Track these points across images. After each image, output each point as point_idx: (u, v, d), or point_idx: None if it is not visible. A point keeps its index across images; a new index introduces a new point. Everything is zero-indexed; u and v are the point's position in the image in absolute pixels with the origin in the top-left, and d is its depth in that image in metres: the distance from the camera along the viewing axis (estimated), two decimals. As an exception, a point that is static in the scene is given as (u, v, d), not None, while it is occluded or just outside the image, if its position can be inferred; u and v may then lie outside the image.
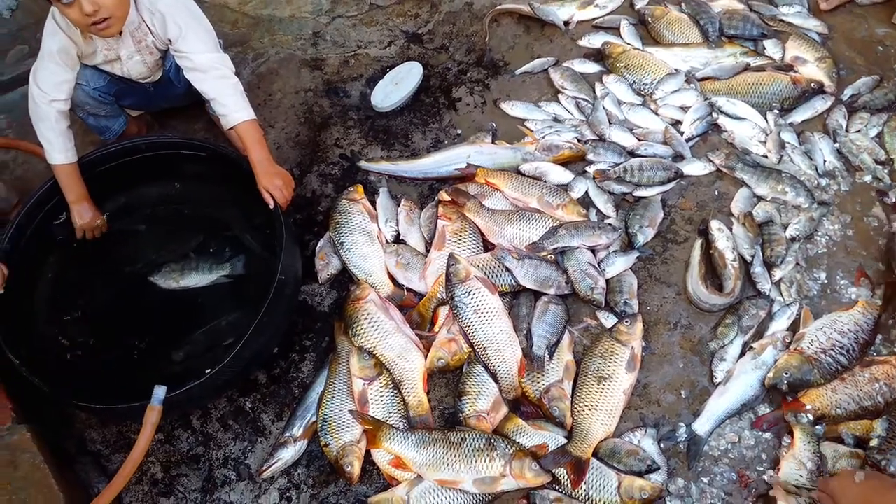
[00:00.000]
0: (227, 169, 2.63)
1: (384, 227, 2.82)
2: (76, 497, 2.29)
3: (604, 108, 3.04)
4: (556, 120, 3.10)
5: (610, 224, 2.71)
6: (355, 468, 2.30)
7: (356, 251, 2.73)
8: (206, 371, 2.22)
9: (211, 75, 2.56)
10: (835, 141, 2.91)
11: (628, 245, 2.71)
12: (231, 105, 2.54)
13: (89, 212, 2.63)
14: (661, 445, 2.32)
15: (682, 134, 2.95)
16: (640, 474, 2.24)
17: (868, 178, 2.80)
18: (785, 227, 2.68)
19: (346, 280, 2.77)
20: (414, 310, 2.62)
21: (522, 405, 2.43)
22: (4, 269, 2.40)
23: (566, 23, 3.41)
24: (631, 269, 2.64)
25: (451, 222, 2.71)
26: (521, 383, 2.41)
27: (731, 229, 2.67)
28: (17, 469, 2.23)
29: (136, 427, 2.18)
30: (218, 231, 2.79)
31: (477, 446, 2.23)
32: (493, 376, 2.40)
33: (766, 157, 2.87)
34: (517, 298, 2.60)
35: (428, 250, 2.73)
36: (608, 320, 2.54)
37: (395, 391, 2.44)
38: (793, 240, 2.65)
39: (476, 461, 2.21)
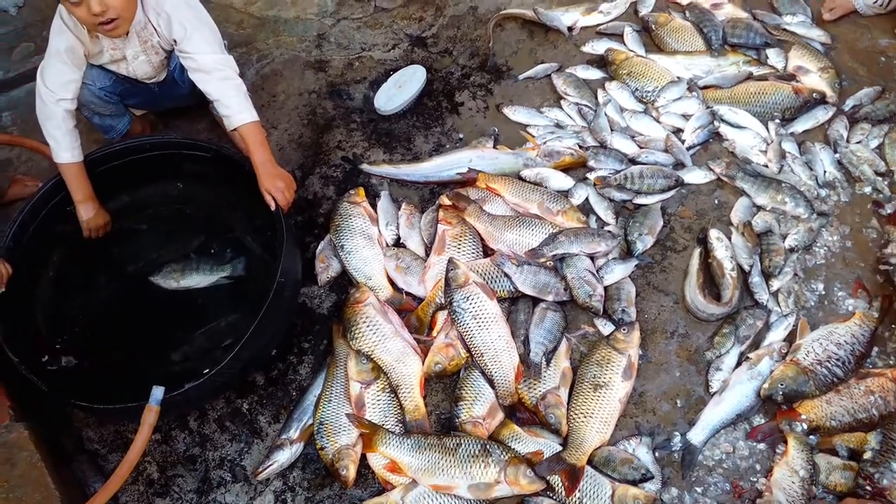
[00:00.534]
0: (230, 170, 2.64)
1: (385, 231, 2.83)
2: (72, 496, 2.30)
3: (606, 114, 3.05)
4: (558, 126, 3.11)
5: (609, 231, 2.72)
6: (351, 472, 2.31)
7: (356, 254, 2.74)
8: (205, 372, 2.24)
9: (215, 76, 2.57)
10: (835, 152, 2.91)
11: (627, 253, 2.71)
12: (235, 106, 2.55)
13: (95, 211, 2.64)
14: (656, 454, 2.33)
15: (683, 142, 2.96)
16: (634, 483, 2.24)
17: (868, 189, 2.81)
18: (784, 237, 2.69)
19: (345, 283, 2.78)
20: (412, 314, 2.63)
21: (518, 411, 2.44)
22: (8, 267, 2.41)
23: (570, 28, 3.42)
24: (629, 276, 2.65)
25: (451, 227, 2.72)
26: (518, 389, 2.41)
27: (730, 238, 2.68)
28: (14, 467, 2.24)
29: (134, 426, 2.20)
30: (219, 232, 2.80)
31: (472, 452, 2.24)
32: (490, 382, 2.41)
33: (767, 166, 2.88)
34: (515, 304, 2.61)
35: (428, 254, 2.74)
36: (606, 328, 2.55)
37: (392, 395, 2.45)
38: (791, 250, 2.66)
39: (471, 467, 2.21)
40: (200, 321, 2.63)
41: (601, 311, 2.55)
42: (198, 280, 2.68)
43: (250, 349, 2.32)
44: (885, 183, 2.81)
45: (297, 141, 3.20)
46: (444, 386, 2.53)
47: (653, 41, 3.35)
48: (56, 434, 2.52)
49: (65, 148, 2.55)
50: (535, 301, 2.59)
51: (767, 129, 2.99)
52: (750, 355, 2.45)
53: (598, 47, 3.32)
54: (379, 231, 2.83)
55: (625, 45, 3.30)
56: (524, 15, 3.44)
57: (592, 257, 2.65)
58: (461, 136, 3.14)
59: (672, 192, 2.83)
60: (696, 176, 2.87)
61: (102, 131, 2.95)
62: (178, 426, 2.54)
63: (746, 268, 2.62)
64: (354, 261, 2.73)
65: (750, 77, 3.13)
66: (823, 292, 2.60)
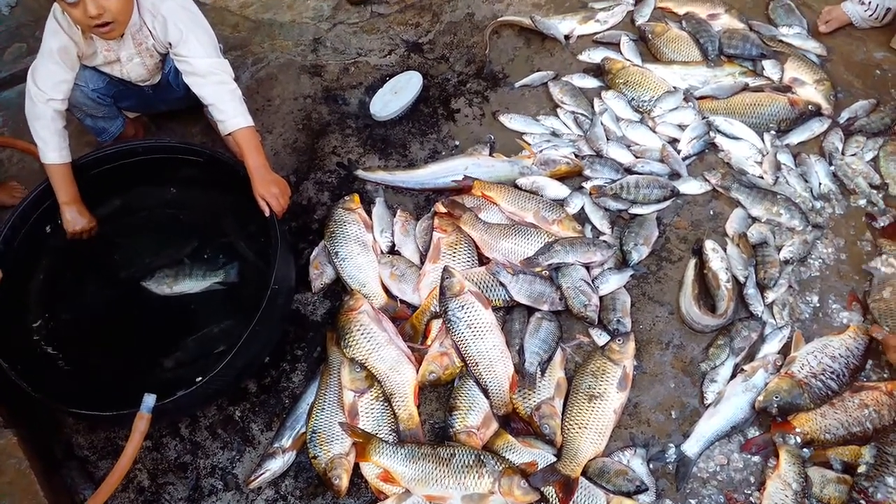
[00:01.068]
0: (224, 175, 2.62)
1: (379, 238, 2.82)
2: (62, 503, 2.27)
3: (602, 123, 3.05)
4: (554, 134, 3.10)
5: (605, 241, 2.71)
6: (343, 481, 2.29)
7: (351, 261, 2.72)
8: (197, 379, 2.21)
9: (210, 80, 2.55)
10: (830, 164, 2.92)
11: (623, 263, 2.71)
12: (229, 111, 2.53)
13: (80, 214, 2.60)
14: (651, 466, 2.33)
15: (679, 152, 2.96)
16: (628, 495, 2.24)
17: (862, 202, 2.82)
18: (779, 249, 2.69)
19: (339, 290, 2.76)
20: (407, 322, 2.61)
21: (513, 421, 2.43)
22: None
23: (567, 37, 3.42)
24: (625, 287, 2.64)
25: (446, 235, 2.71)
26: (513, 399, 2.40)
27: (725, 250, 2.68)
28: (3, 474, 2.20)
29: (124, 433, 2.17)
30: (213, 237, 2.77)
31: (466, 462, 2.23)
32: (485, 392, 2.40)
33: (762, 178, 2.88)
34: (510, 314, 2.61)
35: (423, 262, 2.73)
36: (601, 338, 2.54)
37: (386, 404, 2.43)
38: (786, 262, 2.66)
39: (465, 477, 2.20)
40: (193, 327, 2.60)
41: (596, 322, 2.54)
42: (190, 286, 2.66)
43: (243, 356, 2.30)
44: (880, 196, 2.82)
45: (292, 146, 3.18)
46: (439, 395, 2.52)
47: (649, 51, 3.35)
48: (45, 440, 2.49)
49: (52, 148, 2.52)
50: (531, 310, 2.59)
51: (763, 140, 2.99)
52: (745, 367, 2.45)
53: (594, 56, 3.32)
54: (374, 238, 2.81)
55: (621, 54, 3.31)
56: (521, 22, 3.44)
57: (588, 267, 2.65)
58: (457, 143, 3.14)
59: (667, 203, 2.84)
60: (691, 186, 2.87)
61: (95, 133, 2.93)
62: (169, 433, 2.51)
63: (741, 279, 2.62)
64: (349, 268, 2.72)
65: (746, 88, 3.14)
66: (818, 305, 2.60)
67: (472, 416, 2.38)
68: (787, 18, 3.36)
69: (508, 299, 2.57)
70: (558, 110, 3.17)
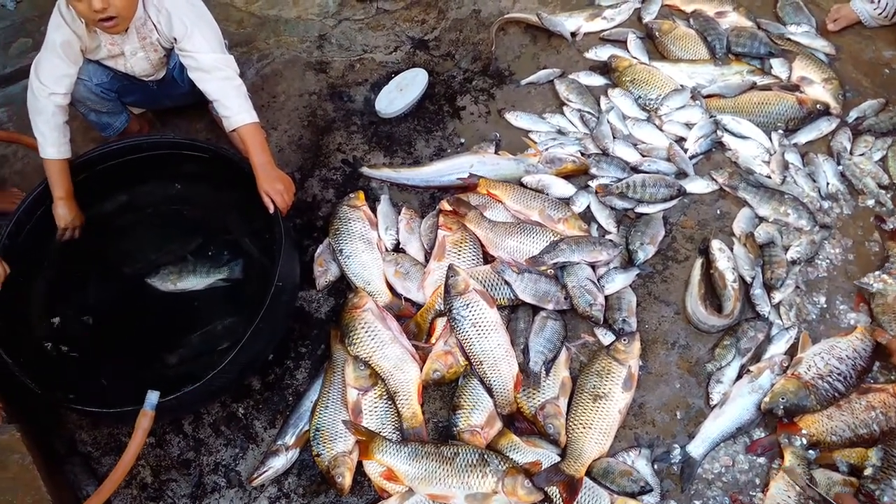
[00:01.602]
0: (229, 171, 2.61)
1: (384, 235, 2.80)
2: (64, 499, 2.27)
3: (608, 122, 3.03)
4: (560, 132, 3.09)
5: (611, 240, 2.70)
6: (346, 479, 2.29)
7: (355, 258, 2.71)
8: (201, 377, 2.20)
9: (215, 76, 2.54)
10: (838, 163, 2.90)
11: (628, 262, 2.69)
12: (234, 107, 2.52)
13: (71, 210, 2.58)
14: (655, 466, 2.32)
15: (685, 151, 2.94)
16: (632, 495, 2.23)
17: (871, 202, 2.80)
18: (786, 249, 2.67)
19: (343, 287, 2.75)
20: (411, 320, 2.60)
21: (517, 421, 2.42)
22: (5, 266, 2.37)
23: (573, 34, 3.40)
24: (630, 286, 2.63)
25: (451, 233, 2.70)
26: (517, 399, 2.39)
27: (731, 249, 2.67)
28: (6, 470, 2.20)
29: (128, 429, 2.17)
30: (217, 234, 2.77)
31: (470, 461, 2.22)
32: (489, 391, 2.39)
33: (770, 177, 2.86)
34: (515, 312, 2.59)
35: (427, 260, 2.72)
36: (606, 337, 2.53)
37: (390, 402, 2.42)
38: (793, 262, 2.64)
39: (468, 476, 2.19)
40: (197, 324, 2.60)
41: (602, 321, 2.53)
42: (194, 282, 2.65)
43: (247, 353, 2.29)
44: (889, 196, 2.80)
45: (297, 142, 3.17)
46: (443, 394, 2.51)
47: (656, 48, 3.33)
48: (49, 436, 2.49)
49: (51, 143, 2.51)
50: (535, 309, 2.57)
51: (771, 139, 2.98)
52: (751, 368, 2.44)
53: (601, 54, 3.31)
54: (378, 235, 2.80)
55: (628, 51, 3.29)
56: (527, 19, 3.42)
57: (593, 266, 2.63)
58: (462, 140, 3.12)
59: (674, 202, 2.82)
60: (698, 185, 2.85)
61: (99, 129, 2.92)
62: (172, 430, 2.51)
63: (748, 279, 2.61)
64: (353, 265, 2.71)
65: (753, 87, 3.12)
66: (825, 305, 2.59)
67: (476, 414, 2.37)
68: (796, 17, 3.33)
69: (513, 298, 2.56)
70: (564, 108, 3.15)
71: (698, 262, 2.67)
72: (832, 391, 2.32)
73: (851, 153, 2.93)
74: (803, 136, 2.99)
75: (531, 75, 3.27)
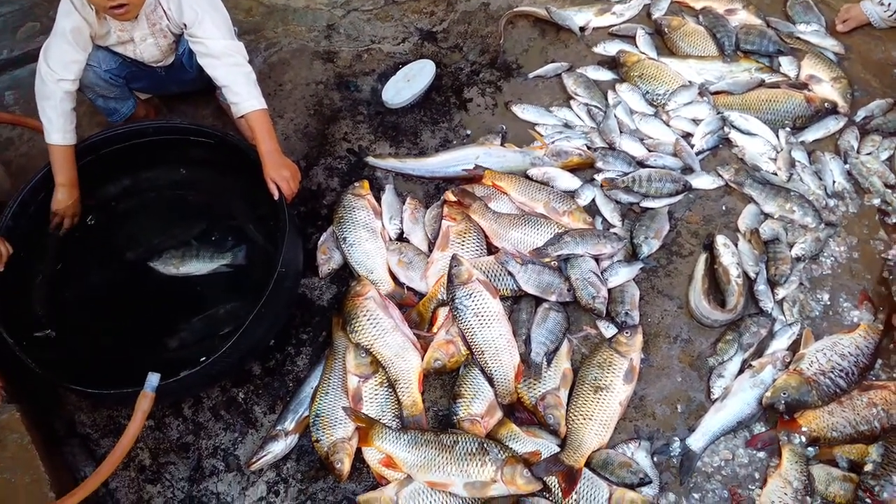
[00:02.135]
0: (234, 157, 2.61)
1: (388, 225, 2.80)
2: (62, 479, 2.27)
3: (615, 116, 3.02)
4: (567, 126, 3.08)
5: (615, 233, 2.70)
6: (345, 465, 2.28)
7: (359, 247, 2.71)
8: (202, 360, 2.21)
9: (224, 62, 2.54)
10: (845, 162, 2.89)
11: (632, 256, 2.69)
12: (243, 93, 2.52)
13: (70, 198, 2.57)
14: (655, 459, 2.31)
15: (692, 147, 2.93)
16: (631, 487, 2.22)
17: (877, 201, 2.78)
18: (791, 246, 2.66)
19: (346, 275, 2.75)
20: (413, 309, 2.60)
21: (517, 411, 2.41)
22: (8, 247, 2.38)
23: (582, 29, 3.39)
24: (634, 280, 2.62)
25: (455, 223, 2.69)
26: (518, 389, 2.39)
27: (736, 245, 2.66)
28: (5, 449, 2.21)
29: (127, 412, 2.17)
30: (221, 220, 2.77)
31: (469, 450, 2.21)
32: (490, 380, 2.39)
33: (776, 174, 2.85)
34: (518, 303, 2.59)
35: (431, 250, 2.72)
36: (608, 330, 2.52)
37: (390, 390, 2.42)
38: (798, 259, 2.63)
39: (468, 465, 2.19)
40: (199, 308, 2.60)
41: (604, 314, 2.52)
42: (197, 267, 2.65)
43: (248, 338, 2.29)
44: (895, 195, 2.78)
45: (303, 131, 3.17)
46: (443, 382, 2.51)
47: (665, 44, 3.33)
48: (48, 417, 2.49)
49: (57, 129, 2.50)
50: (538, 301, 2.57)
51: (778, 136, 2.97)
52: (753, 363, 2.43)
53: (609, 48, 3.30)
54: (382, 225, 2.80)
55: (637, 47, 3.28)
56: (536, 13, 3.42)
57: (597, 259, 2.62)
58: (468, 132, 3.12)
59: (679, 197, 2.81)
60: (704, 181, 2.85)
61: (106, 114, 2.92)
62: (171, 413, 2.51)
63: (752, 275, 2.60)
64: (357, 253, 2.71)
65: (762, 84, 3.11)
66: (829, 303, 2.58)
67: (477, 404, 2.37)
68: (805, 15, 3.33)
69: (516, 289, 2.55)
70: (572, 102, 3.15)
71: (702, 258, 2.66)
72: (834, 387, 2.31)
73: (858, 152, 2.92)
74: (811, 135, 2.98)
75: (539, 69, 3.27)
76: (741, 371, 2.43)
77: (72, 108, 2.54)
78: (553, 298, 2.54)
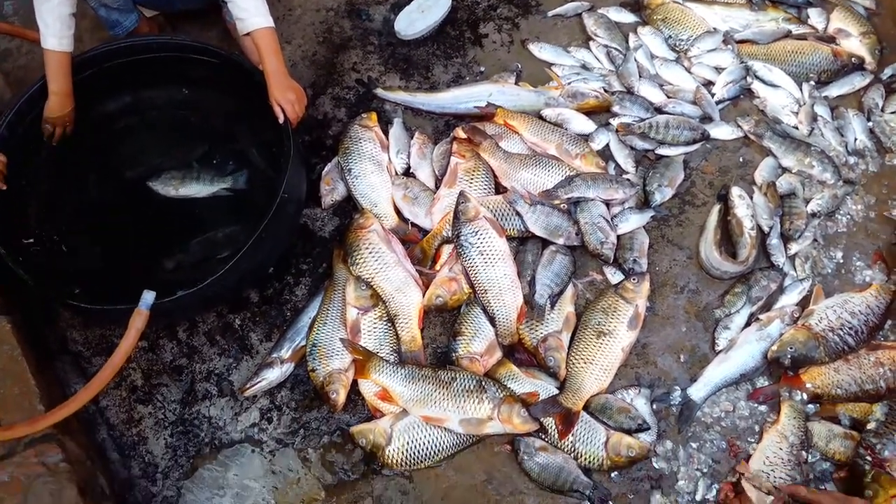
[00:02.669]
0: (239, 79, 2.51)
1: (395, 159, 2.72)
2: (52, 394, 2.23)
3: (635, 60, 2.92)
4: (585, 67, 2.97)
5: (628, 179, 2.62)
6: (340, 396, 2.26)
7: (363, 179, 2.64)
8: (199, 282, 2.15)
9: None
10: (869, 120, 2.80)
11: (644, 203, 2.62)
12: (251, 9, 2.41)
13: (64, 109, 2.44)
14: (654, 406, 2.28)
15: (713, 95, 2.84)
16: (629, 432, 2.20)
17: (898, 161, 2.71)
18: (807, 201, 2.60)
19: (349, 208, 2.69)
20: (417, 245, 2.54)
21: (517, 352, 2.38)
22: (2, 157, 2.29)
23: (605, -32, 3.25)
24: (644, 227, 2.56)
25: (464, 160, 2.61)
26: (519, 330, 2.35)
27: (751, 198, 2.59)
28: (-5, 359, 2.17)
29: (120, 331, 2.12)
30: (223, 142, 2.69)
31: (467, 387, 2.18)
32: (492, 320, 2.34)
33: (797, 128, 2.77)
34: (524, 244, 2.53)
35: (437, 186, 2.64)
36: (615, 276, 2.47)
37: (389, 324, 2.38)
38: (813, 215, 2.57)
39: (464, 401, 2.16)
40: (198, 231, 2.54)
41: (612, 260, 2.46)
42: (197, 189, 2.59)
43: (247, 263, 2.23)
44: (917, 156, 2.71)
45: (311, 58, 3.07)
46: (443, 320, 2.47)
47: (691, -11, 3.19)
48: (40, 332, 2.45)
49: (53, 33, 2.35)
50: (545, 243, 2.51)
51: (801, 90, 2.87)
52: (760, 316, 2.38)
53: (633, -10, 3.17)
54: (389, 158, 2.72)
55: (662, -10, 3.15)
56: (559, -51, 3.28)
57: (608, 204, 2.56)
58: (482, 69, 3.01)
59: (696, 146, 2.73)
60: (723, 131, 2.76)
61: (108, 26, 2.81)
62: (166, 336, 2.47)
63: (766, 229, 2.54)
64: (361, 186, 2.63)
65: (788, 35, 2.99)
66: (841, 261, 2.52)
67: (477, 342, 2.33)
68: (838, -33, 3.19)
69: (523, 230, 2.50)
70: (591, 43, 3.03)
71: (716, 208, 2.59)
72: (842, 345, 2.26)
73: (883, 110, 2.83)
74: (835, 90, 2.88)
75: (559, 7, 3.13)
76: (748, 324, 2.38)
77: (70, 13, 2.39)
78: (561, 241, 2.48)
